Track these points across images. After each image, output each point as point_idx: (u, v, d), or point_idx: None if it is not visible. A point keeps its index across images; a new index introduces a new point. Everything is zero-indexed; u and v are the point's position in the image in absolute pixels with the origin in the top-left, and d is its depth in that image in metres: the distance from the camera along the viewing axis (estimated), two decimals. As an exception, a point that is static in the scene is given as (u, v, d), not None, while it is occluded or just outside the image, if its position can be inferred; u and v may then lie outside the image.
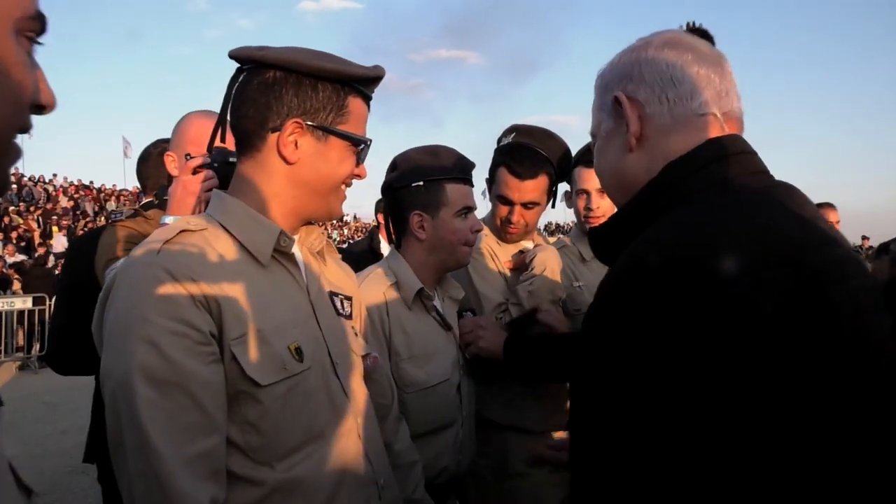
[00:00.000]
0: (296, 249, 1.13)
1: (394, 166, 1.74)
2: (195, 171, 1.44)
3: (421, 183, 1.66)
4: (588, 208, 2.35)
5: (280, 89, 1.05)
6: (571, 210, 2.49)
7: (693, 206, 0.82)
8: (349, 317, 1.23)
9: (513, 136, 2.09)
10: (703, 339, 0.67)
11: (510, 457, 1.99)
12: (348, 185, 1.16)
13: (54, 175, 24.65)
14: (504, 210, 2.06)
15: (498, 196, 2.05)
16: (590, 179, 2.40)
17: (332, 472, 1.04)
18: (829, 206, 3.99)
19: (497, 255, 2.08)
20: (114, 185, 27.09)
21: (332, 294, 1.19)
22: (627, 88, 0.92)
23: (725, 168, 0.85)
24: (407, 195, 1.68)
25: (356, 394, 1.15)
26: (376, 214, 3.73)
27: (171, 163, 1.72)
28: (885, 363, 0.69)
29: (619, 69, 0.94)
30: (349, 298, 1.25)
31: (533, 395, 2.01)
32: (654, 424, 0.69)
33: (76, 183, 25.05)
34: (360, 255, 3.40)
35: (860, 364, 0.68)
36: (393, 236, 1.77)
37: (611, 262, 0.89)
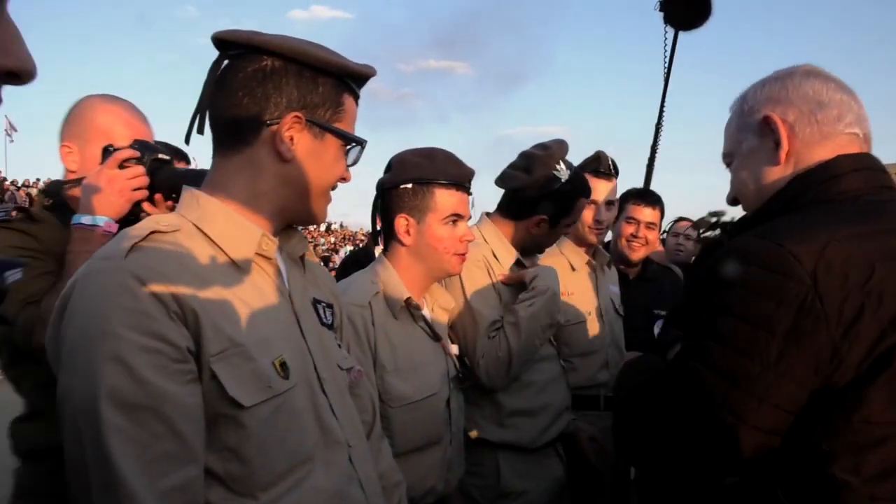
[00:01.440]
0: (276, 254, 1.05)
1: (389, 167, 1.68)
2: (122, 166, 1.28)
3: (410, 185, 1.60)
4: (598, 220, 2.35)
5: (280, 79, 0.96)
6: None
7: (805, 213, 0.98)
8: (332, 326, 1.15)
9: (563, 164, 2.08)
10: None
11: (502, 476, 1.92)
12: (334, 188, 1.10)
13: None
14: (564, 231, 2.18)
15: (571, 223, 2.17)
16: (599, 191, 2.40)
17: (321, 502, 0.95)
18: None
19: (493, 268, 2.01)
20: None
21: (315, 302, 1.12)
22: (776, 111, 1.07)
23: (865, 178, 1.01)
24: (395, 196, 1.62)
25: (345, 412, 1.06)
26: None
27: (69, 155, 1.48)
28: None
29: (765, 95, 1.10)
30: (331, 306, 1.17)
31: (527, 412, 1.95)
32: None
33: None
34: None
35: None
36: (381, 240, 1.71)
37: None
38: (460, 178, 1.65)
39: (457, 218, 1.63)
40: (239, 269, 0.96)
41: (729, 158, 1.17)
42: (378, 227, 1.69)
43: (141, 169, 1.29)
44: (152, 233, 0.89)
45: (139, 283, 0.82)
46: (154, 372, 0.80)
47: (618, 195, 2.56)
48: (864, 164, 1.02)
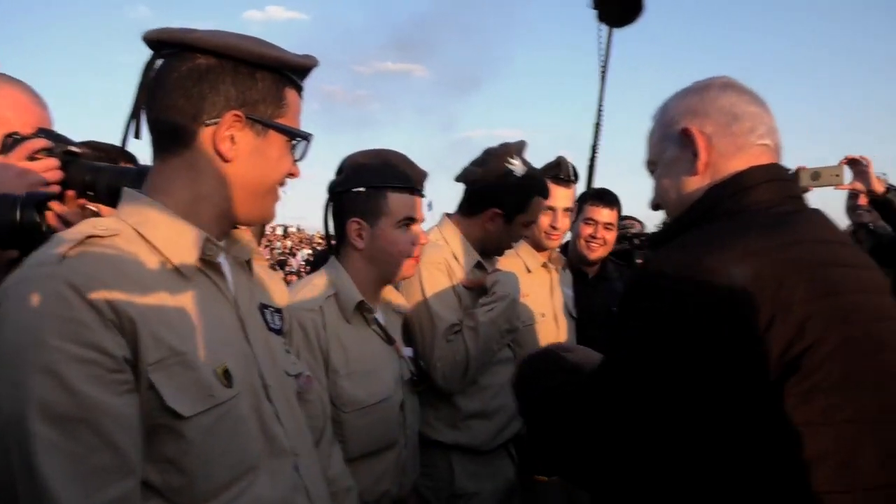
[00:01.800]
0: (222, 258, 1.03)
1: (340, 169, 1.67)
2: (31, 158, 1.12)
3: (362, 189, 1.59)
4: (553, 227, 2.38)
5: (216, 77, 0.94)
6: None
7: (721, 223, 1.03)
8: (280, 331, 1.14)
9: (518, 160, 2.08)
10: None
11: (455, 477, 1.92)
12: (283, 185, 1.08)
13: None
14: (524, 231, 2.20)
15: (529, 222, 2.16)
16: (558, 197, 2.43)
17: None
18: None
19: (454, 271, 2.01)
20: None
21: (262, 307, 1.10)
22: (695, 123, 1.11)
23: (775, 189, 1.06)
24: (347, 200, 1.61)
25: (292, 419, 1.05)
26: None
27: None
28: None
29: (685, 107, 1.14)
30: (279, 311, 1.16)
31: (483, 415, 1.96)
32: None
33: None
34: None
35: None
36: (332, 243, 1.69)
37: None
38: (413, 181, 1.64)
39: (409, 221, 1.63)
40: (181, 275, 0.93)
41: (652, 166, 1.22)
42: (331, 231, 1.68)
43: (55, 161, 1.14)
44: (88, 237, 0.85)
45: (74, 290, 0.79)
46: (88, 383, 0.77)
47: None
48: (774, 175, 1.08)
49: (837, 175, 2.39)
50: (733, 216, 1.04)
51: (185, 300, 0.91)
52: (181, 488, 0.85)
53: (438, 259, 1.96)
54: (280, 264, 16.90)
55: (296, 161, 1.06)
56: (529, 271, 2.42)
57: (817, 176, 2.38)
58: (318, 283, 1.60)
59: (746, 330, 0.89)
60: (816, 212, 1.09)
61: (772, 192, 1.05)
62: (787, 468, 0.88)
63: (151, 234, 0.92)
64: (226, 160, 0.97)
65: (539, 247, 2.46)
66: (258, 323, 1.06)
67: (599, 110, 3.35)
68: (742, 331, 0.89)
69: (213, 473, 0.87)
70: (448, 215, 2.16)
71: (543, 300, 2.39)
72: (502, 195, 2.03)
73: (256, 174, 1.00)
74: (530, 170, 2.07)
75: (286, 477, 0.98)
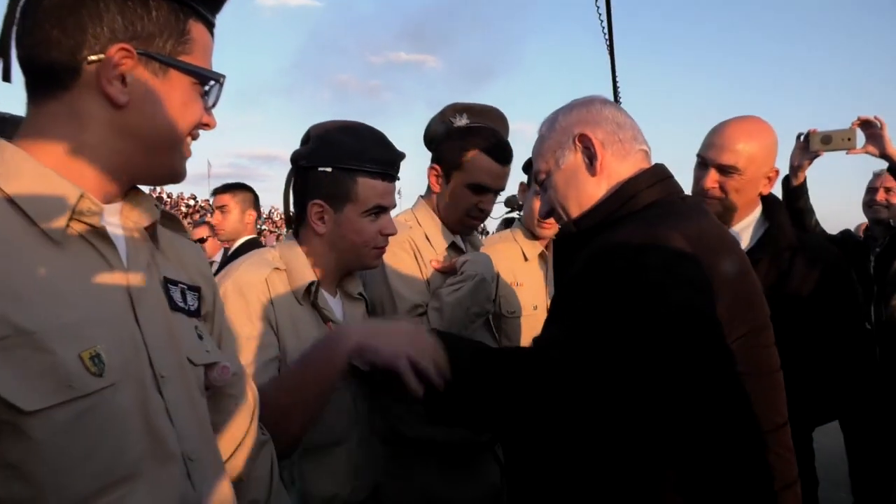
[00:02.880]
0: (115, 222, 0.87)
1: (307, 138, 1.48)
2: None
3: (329, 169, 1.39)
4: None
5: (97, 4, 0.78)
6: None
7: (650, 213, 1.17)
8: (195, 313, 0.97)
9: (466, 116, 1.88)
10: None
11: (430, 481, 1.76)
12: (195, 137, 0.92)
13: None
14: (474, 199, 1.87)
15: (472, 185, 1.85)
16: None
17: None
18: None
19: (422, 252, 1.84)
20: None
21: (170, 282, 0.93)
22: (587, 129, 1.25)
23: (665, 187, 1.23)
24: (311, 178, 1.42)
25: (188, 419, 0.88)
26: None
27: None
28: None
29: (575, 117, 1.28)
30: (196, 289, 0.99)
31: None
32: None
33: None
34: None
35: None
36: (292, 221, 1.51)
37: (571, 255, 1.21)
38: (387, 165, 1.45)
39: (379, 210, 1.45)
40: (50, 239, 0.77)
41: (543, 175, 1.31)
42: (291, 208, 1.50)
43: None
44: None
45: None
46: None
47: None
48: (659, 175, 1.24)
49: (849, 139, 2.20)
50: (637, 213, 1.17)
51: (50, 270, 0.75)
52: (27, 500, 0.69)
53: (402, 239, 1.80)
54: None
55: (209, 109, 0.90)
56: (527, 259, 2.25)
57: (828, 140, 2.21)
58: (266, 257, 1.43)
59: (707, 282, 1.06)
60: (700, 201, 1.42)
61: (659, 192, 1.20)
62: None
63: (13, 186, 0.76)
64: (116, 105, 0.81)
65: (533, 235, 2.27)
66: (158, 301, 0.89)
67: (615, 84, 3.08)
68: (702, 285, 1.06)
69: (69, 483, 0.71)
70: (423, 197, 2.00)
71: (537, 291, 2.21)
72: (438, 150, 1.87)
73: (156, 123, 0.84)
74: (472, 124, 1.86)
75: (172, 487, 0.81)
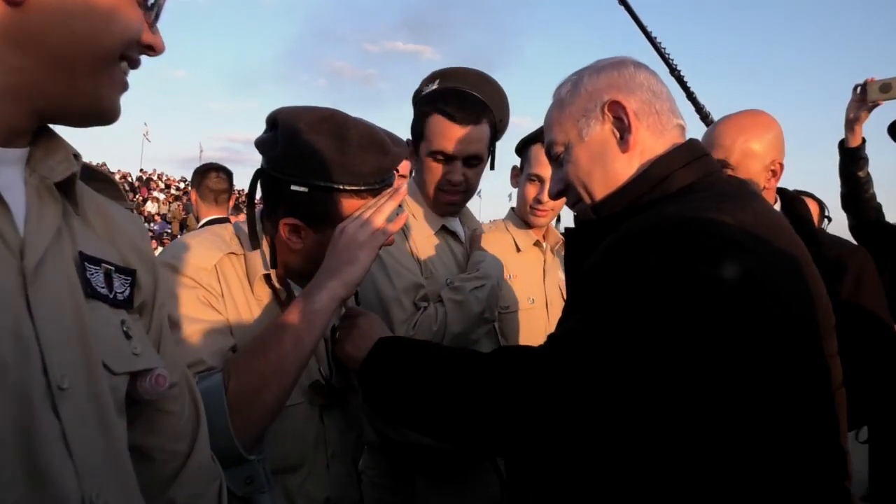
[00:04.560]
0: (13, 174, 0.64)
1: (272, 123, 1.14)
2: None
3: (305, 189, 1.09)
4: (539, 200, 2.00)
5: None
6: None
7: (688, 196, 0.97)
8: (123, 303, 0.73)
9: (437, 82, 1.66)
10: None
11: (419, 494, 1.57)
12: (133, 63, 0.69)
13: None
14: (440, 169, 1.62)
15: (432, 153, 1.60)
16: (546, 164, 2.03)
17: None
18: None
19: (410, 230, 1.65)
20: None
21: (89, 260, 0.70)
22: (620, 97, 1.04)
23: (702, 166, 1.03)
24: (283, 193, 1.10)
25: (95, 448, 0.64)
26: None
27: None
28: None
29: (605, 80, 1.06)
30: (129, 272, 0.76)
31: None
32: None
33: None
34: None
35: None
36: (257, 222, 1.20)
37: (590, 245, 1.00)
38: (379, 176, 1.13)
39: None
40: None
41: (560, 148, 1.10)
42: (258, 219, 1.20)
43: None
44: None
45: None
46: None
47: None
48: (696, 152, 1.05)
49: None
50: (672, 197, 0.99)
51: None
52: None
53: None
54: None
55: (152, 24, 0.68)
56: (519, 250, 2.06)
57: (888, 88, 2.14)
58: (223, 237, 1.18)
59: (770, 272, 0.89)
60: (746, 182, 1.14)
61: (700, 171, 1.02)
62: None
63: None
64: (11, 2, 0.58)
65: (525, 223, 2.08)
66: (66, 284, 0.65)
67: (672, 67, 2.80)
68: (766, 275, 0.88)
69: None
70: (413, 178, 1.80)
71: (534, 284, 2.02)
72: (413, 124, 1.67)
73: (70, 30, 0.61)
74: (441, 87, 1.64)
75: None
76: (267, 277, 1.15)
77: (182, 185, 28.13)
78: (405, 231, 1.63)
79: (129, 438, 0.73)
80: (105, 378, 0.67)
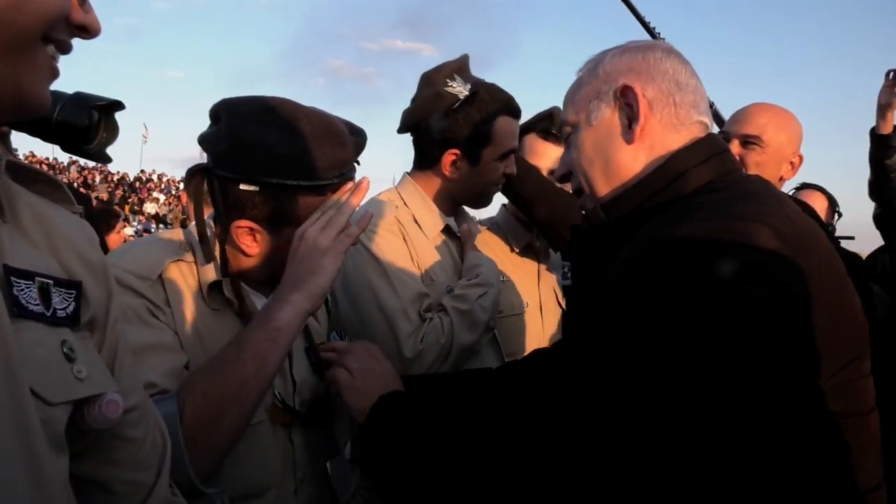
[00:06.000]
0: None
1: (215, 117, 1.06)
2: None
3: (255, 188, 1.01)
4: None
5: None
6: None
7: (711, 198, 0.89)
8: (66, 321, 0.65)
9: (460, 81, 1.58)
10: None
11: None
12: (62, 47, 0.62)
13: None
14: (502, 168, 1.65)
15: (503, 154, 1.62)
16: (545, 154, 1.95)
17: None
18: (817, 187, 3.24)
19: (411, 235, 1.58)
20: None
21: (16, 273, 0.61)
22: (636, 83, 0.96)
23: (720, 163, 0.95)
24: (231, 193, 1.03)
25: (19, 490, 0.56)
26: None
27: None
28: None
29: (626, 63, 0.99)
30: (73, 285, 0.68)
31: None
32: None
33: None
34: None
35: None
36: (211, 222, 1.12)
37: (600, 248, 0.98)
38: (336, 174, 1.05)
39: None
40: None
41: (570, 129, 1.04)
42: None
43: None
44: None
45: None
46: None
47: None
48: (715, 148, 0.96)
49: None
50: (690, 197, 0.91)
51: None
52: None
53: (389, 220, 1.53)
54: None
55: (83, 1, 0.60)
56: (513, 251, 1.97)
57: None
58: (173, 241, 1.08)
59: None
60: (768, 183, 1.01)
61: (718, 169, 0.94)
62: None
63: None
64: None
65: (523, 221, 1.97)
66: None
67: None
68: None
69: None
70: (409, 174, 1.71)
71: (528, 287, 1.94)
72: (453, 131, 1.56)
73: None
74: (479, 86, 1.58)
75: None
76: (218, 285, 1.07)
77: (182, 186, 28.11)
78: (406, 232, 1.56)
79: (82, 471, 0.66)
80: (33, 408, 0.58)
